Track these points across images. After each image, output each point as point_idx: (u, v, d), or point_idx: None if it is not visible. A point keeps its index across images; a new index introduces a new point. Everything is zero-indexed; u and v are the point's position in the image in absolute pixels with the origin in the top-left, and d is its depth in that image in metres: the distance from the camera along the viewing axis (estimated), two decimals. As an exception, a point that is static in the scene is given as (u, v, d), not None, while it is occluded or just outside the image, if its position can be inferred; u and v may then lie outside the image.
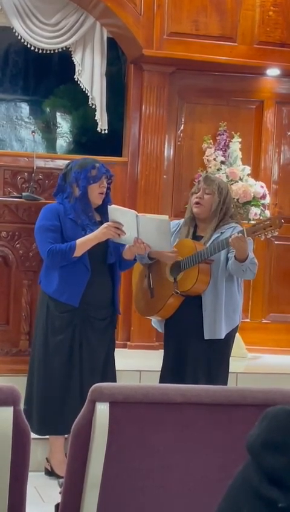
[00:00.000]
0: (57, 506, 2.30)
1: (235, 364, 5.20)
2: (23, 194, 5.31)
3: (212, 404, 2.22)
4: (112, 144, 7.09)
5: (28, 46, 6.75)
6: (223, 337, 4.60)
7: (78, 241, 4.43)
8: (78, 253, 4.43)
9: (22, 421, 2.10)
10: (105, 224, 4.44)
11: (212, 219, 4.67)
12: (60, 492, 2.27)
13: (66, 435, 4.62)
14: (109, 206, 4.50)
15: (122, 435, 2.15)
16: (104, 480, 2.15)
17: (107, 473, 2.15)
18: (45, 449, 4.83)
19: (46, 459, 4.82)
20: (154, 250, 4.57)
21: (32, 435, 4.52)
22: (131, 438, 2.17)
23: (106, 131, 6.91)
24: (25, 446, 2.12)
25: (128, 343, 6.72)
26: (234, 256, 4.44)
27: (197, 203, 4.69)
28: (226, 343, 4.70)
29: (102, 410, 2.11)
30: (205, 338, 4.58)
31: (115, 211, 4.48)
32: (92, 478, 2.14)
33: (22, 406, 2.18)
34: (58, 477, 4.45)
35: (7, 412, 2.06)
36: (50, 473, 4.75)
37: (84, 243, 4.44)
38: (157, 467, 2.22)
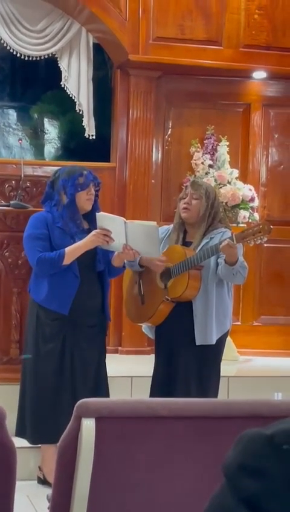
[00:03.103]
0: (45, 521, 2.30)
1: (226, 368, 5.21)
2: (11, 202, 5.30)
3: (199, 417, 2.23)
4: (100, 149, 7.09)
5: (14, 53, 6.75)
6: (214, 342, 4.61)
7: (67, 249, 4.43)
8: (67, 261, 4.43)
9: (8, 439, 2.10)
10: (93, 232, 4.45)
11: (201, 224, 4.67)
12: (48, 508, 2.27)
13: (58, 444, 4.61)
14: (97, 214, 4.50)
15: (109, 450, 2.16)
16: (92, 496, 2.15)
17: (95, 488, 2.15)
18: (37, 458, 4.83)
19: (39, 467, 4.82)
20: (143, 256, 4.58)
21: (25, 444, 4.58)
22: (118, 453, 2.18)
23: (94, 137, 6.91)
24: (11, 463, 2.12)
25: (119, 348, 6.72)
26: (224, 260, 4.45)
27: (185, 208, 4.69)
28: (217, 349, 4.70)
29: (88, 425, 2.11)
30: (197, 344, 4.58)
31: (103, 218, 4.49)
32: (80, 494, 2.14)
33: (8, 420, 2.17)
34: (50, 485, 4.44)
35: (-7, 431, 2.07)
36: (42, 481, 4.75)
37: (73, 251, 4.44)
38: (144, 482, 2.22)
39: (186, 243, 4.72)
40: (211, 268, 4.59)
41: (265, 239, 4.51)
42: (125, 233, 4.40)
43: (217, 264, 4.58)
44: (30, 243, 4.53)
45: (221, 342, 4.71)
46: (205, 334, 4.59)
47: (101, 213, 4.54)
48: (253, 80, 7.10)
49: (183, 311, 4.62)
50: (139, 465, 2.20)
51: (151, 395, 4.67)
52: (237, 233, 4.45)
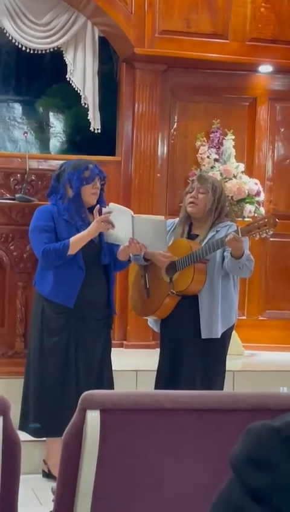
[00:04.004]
0: (50, 514, 2.30)
1: (231, 362, 5.20)
2: (16, 195, 5.30)
3: (204, 409, 2.22)
4: (106, 143, 7.07)
5: (20, 46, 6.73)
6: (219, 336, 4.60)
7: (72, 238, 4.43)
8: (72, 250, 4.42)
9: (12, 431, 2.09)
10: (96, 220, 4.44)
11: (208, 218, 4.67)
12: (53, 500, 2.26)
13: (63, 436, 4.61)
14: (105, 208, 4.50)
15: (114, 442, 2.15)
16: (96, 488, 2.14)
17: (99, 480, 2.14)
18: (42, 451, 4.83)
19: (44, 461, 4.82)
20: (150, 250, 4.57)
21: (30, 437, 4.58)
22: (122, 445, 2.17)
23: (99, 131, 6.89)
24: (16, 456, 2.11)
25: (124, 342, 6.71)
26: (230, 253, 4.44)
27: (191, 202, 4.68)
28: (223, 342, 4.70)
29: (93, 418, 2.10)
30: (202, 337, 4.57)
31: (113, 207, 4.48)
32: (84, 486, 2.13)
33: (12, 413, 2.16)
34: (55, 479, 4.44)
35: (-3, 422, 2.06)
36: (47, 474, 4.76)
37: (77, 240, 4.43)
38: (149, 474, 2.21)
39: (191, 236, 4.71)
40: (217, 261, 4.58)
41: (271, 232, 4.50)
42: (132, 227, 4.40)
43: (223, 258, 4.57)
44: (36, 235, 4.53)
45: (226, 335, 4.70)
46: (211, 327, 4.58)
47: (112, 203, 4.55)
48: (259, 74, 7.07)
49: (188, 305, 4.61)
50: (143, 457, 2.19)
51: (156, 387, 4.66)
52: (242, 227, 4.44)
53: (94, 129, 6.90)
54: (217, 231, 4.61)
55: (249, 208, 6.53)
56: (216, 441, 2.21)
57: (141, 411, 2.16)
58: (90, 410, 2.12)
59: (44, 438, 4.75)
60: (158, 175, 6.87)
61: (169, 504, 2.24)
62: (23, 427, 4.61)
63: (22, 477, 2.26)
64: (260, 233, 4.41)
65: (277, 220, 4.44)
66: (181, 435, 2.21)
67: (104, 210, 4.47)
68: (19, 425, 4.57)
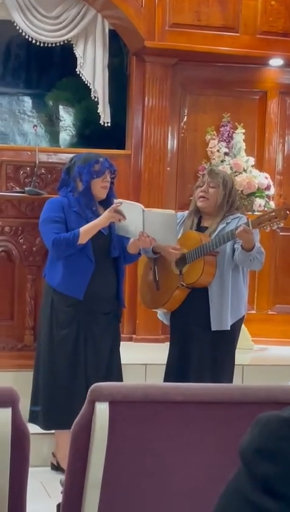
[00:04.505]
0: (58, 506, 2.29)
1: (241, 356, 5.19)
2: (26, 188, 5.29)
3: (213, 402, 2.21)
4: (115, 136, 7.06)
5: (30, 39, 6.73)
6: (229, 328, 4.60)
7: (82, 228, 4.43)
8: (82, 240, 4.42)
9: (21, 422, 2.09)
10: (108, 210, 4.44)
11: (219, 212, 4.66)
12: (61, 492, 2.26)
13: (71, 428, 4.62)
14: (115, 200, 4.50)
15: (123, 434, 2.14)
16: (105, 480, 2.14)
17: (108, 472, 2.14)
18: (51, 444, 4.84)
19: (52, 453, 4.83)
20: (160, 244, 4.57)
21: (38, 430, 4.59)
22: (131, 437, 2.16)
23: (109, 124, 6.89)
24: (24, 447, 2.11)
25: (134, 336, 6.71)
26: (241, 246, 4.44)
27: (202, 197, 4.67)
28: (232, 335, 4.69)
29: (102, 410, 2.10)
30: (212, 329, 4.57)
31: (122, 203, 4.48)
32: (93, 478, 2.13)
33: (21, 406, 2.16)
34: (64, 471, 4.45)
35: (6, 413, 2.05)
36: (56, 467, 4.77)
37: (88, 230, 4.43)
38: (157, 466, 2.21)
39: (200, 228, 4.71)
40: (227, 254, 4.58)
41: (281, 224, 4.49)
42: (143, 221, 4.39)
43: (233, 250, 4.57)
44: (46, 226, 4.54)
45: (236, 327, 4.70)
46: (221, 319, 4.58)
47: (120, 200, 4.55)
48: (270, 67, 7.05)
49: (198, 297, 4.61)
50: (152, 449, 2.18)
51: (166, 379, 4.67)
52: (253, 219, 4.44)
53: (104, 123, 6.89)
54: (227, 223, 4.61)
55: (259, 201, 6.51)
56: (225, 433, 2.20)
57: (150, 403, 2.16)
58: (99, 402, 2.11)
59: (53, 431, 4.75)
60: (168, 169, 6.86)
61: (178, 496, 2.24)
62: (32, 419, 4.62)
63: (30, 469, 2.26)
64: (271, 225, 4.40)
65: (287, 212, 4.43)
66: (190, 428, 2.21)
67: (115, 201, 4.48)
68: (28, 417, 4.58)
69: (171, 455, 2.21)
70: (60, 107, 7.85)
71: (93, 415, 2.12)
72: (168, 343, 4.91)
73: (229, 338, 4.68)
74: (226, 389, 2.29)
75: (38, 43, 6.74)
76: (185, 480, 2.22)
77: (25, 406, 4.23)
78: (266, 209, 6.42)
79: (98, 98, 6.86)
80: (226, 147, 6.75)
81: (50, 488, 4.34)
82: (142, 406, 2.15)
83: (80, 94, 7.40)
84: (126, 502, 2.22)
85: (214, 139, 6.80)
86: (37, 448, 4.65)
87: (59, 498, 2.29)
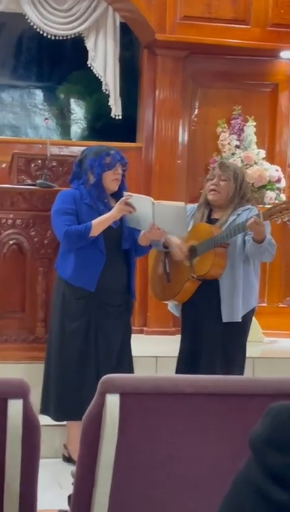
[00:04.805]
0: (70, 497, 2.31)
1: (251, 349, 5.19)
2: (37, 181, 5.30)
3: (223, 394, 2.21)
4: (126, 129, 7.07)
5: (41, 32, 6.73)
6: (240, 319, 4.60)
7: (94, 221, 4.44)
8: (94, 232, 4.43)
9: (32, 413, 2.10)
10: (118, 202, 4.45)
11: (229, 205, 4.66)
12: (72, 483, 2.28)
13: (82, 419, 4.64)
14: (125, 193, 4.50)
15: (133, 426, 2.15)
16: (116, 472, 2.15)
17: (119, 464, 2.15)
18: (62, 436, 4.86)
19: (64, 445, 4.85)
20: (170, 235, 4.58)
21: (50, 422, 4.60)
22: (142, 429, 2.17)
23: (120, 117, 6.89)
24: (36, 438, 2.12)
25: (144, 328, 6.72)
26: (252, 237, 4.44)
27: (213, 190, 4.67)
28: (243, 327, 4.70)
29: (112, 401, 2.11)
30: (223, 321, 4.58)
31: (131, 196, 4.49)
32: (103, 469, 2.14)
33: (32, 398, 2.17)
34: (75, 463, 4.47)
35: (17, 405, 2.06)
36: (68, 459, 4.78)
37: (100, 222, 4.44)
38: (168, 458, 2.21)
39: (211, 220, 4.71)
40: (238, 246, 4.58)
41: (293, 216, 4.49)
42: (153, 213, 4.40)
43: (244, 242, 4.56)
44: (58, 218, 4.55)
45: (247, 319, 4.70)
46: (232, 311, 4.58)
47: (130, 193, 4.55)
48: (281, 60, 7.03)
49: (209, 289, 4.62)
50: (163, 441, 2.19)
51: (177, 372, 4.68)
52: (264, 211, 4.44)
53: (115, 115, 6.90)
54: (237, 215, 4.61)
55: (270, 194, 6.51)
56: (236, 425, 2.21)
57: (160, 395, 2.16)
58: (109, 394, 2.12)
59: (64, 422, 4.77)
60: (179, 161, 6.86)
61: (189, 488, 2.25)
62: (44, 410, 4.64)
63: (42, 461, 2.27)
64: (282, 217, 4.40)
65: (299, 203, 4.43)
66: (200, 419, 2.21)
67: (124, 194, 4.48)
68: (40, 409, 4.61)
69: (181, 447, 2.22)
70: (71, 100, 7.86)
71: (104, 407, 2.12)
72: (179, 335, 4.92)
73: (241, 330, 4.68)
74: (236, 381, 2.30)
75: (49, 36, 6.74)
76: (196, 471, 2.23)
77: (36, 398, 4.27)
78: (277, 201, 6.41)
79: (109, 91, 6.87)
80: (237, 140, 6.75)
81: (61, 479, 4.36)
82: (152, 398, 2.16)
83: (91, 87, 7.41)
84: (137, 493, 2.23)
85: (225, 131, 6.79)
86: (49, 439, 4.67)
87: (70, 489, 2.30)
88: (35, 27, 6.70)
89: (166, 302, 4.99)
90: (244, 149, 6.71)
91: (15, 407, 2.06)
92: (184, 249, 4.64)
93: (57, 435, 4.85)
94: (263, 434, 1.15)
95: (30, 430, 2.09)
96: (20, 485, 2.11)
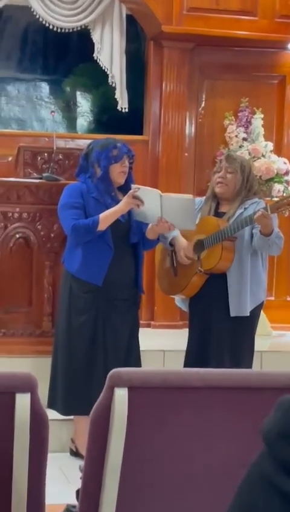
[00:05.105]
0: (78, 492, 2.29)
1: (260, 343, 5.17)
2: (44, 174, 5.30)
3: (232, 388, 2.20)
4: (133, 122, 7.04)
5: (47, 25, 6.71)
6: (248, 314, 4.59)
7: (102, 214, 4.43)
8: (102, 226, 4.42)
9: (40, 407, 2.09)
10: (126, 195, 4.43)
11: (237, 197, 4.64)
12: (80, 478, 2.26)
13: (90, 414, 4.64)
14: (133, 185, 4.49)
15: (142, 420, 2.14)
16: (124, 466, 2.13)
17: (127, 458, 2.13)
18: (70, 430, 4.85)
19: (71, 439, 4.85)
20: (179, 229, 4.57)
21: (58, 416, 4.60)
22: (150, 423, 2.16)
23: (127, 110, 6.86)
24: (43, 432, 2.11)
25: (152, 322, 6.71)
26: (259, 231, 4.42)
27: (220, 182, 4.65)
28: (251, 321, 4.68)
29: (121, 395, 2.09)
30: (231, 315, 4.56)
31: (139, 189, 4.47)
32: (112, 464, 2.13)
33: (40, 392, 2.16)
34: (83, 457, 4.46)
35: (25, 399, 2.05)
36: (75, 453, 4.78)
37: (107, 216, 4.43)
38: (177, 452, 2.20)
39: (218, 214, 4.69)
40: (245, 239, 4.56)
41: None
42: (161, 206, 4.38)
43: (251, 235, 4.54)
44: (65, 212, 4.53)
45: (255, 313, 4.68)
46: (240, 305, 4.56)
47: (137, 185, 4.53)
48: (288, 51, 7.00)
49: (217, 283, 4.60)
50: (171, 435, 2.18)
51: (186, 365, 4.67)
52: (271, 204, 4.42)
53: (121, 108, 6.87)
54: (245, 208, 4.59)
55: (277, 187, 6.48)
56: (244, 419, 2.19)
57: (169, 389, 2.15)
58: (118, 388, 2.10)
59: (72, 417, 4.76)
60: (186, 154, 6.83)
61: (197, 482, 2.23)
62: (51, 405, 4.63)
63: (50, 455, 2.26)
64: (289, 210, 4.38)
65: (306, 196, 4.41)
66: (209, 414, 2.20)
67: (132, 186, 4.46)
68: (47, 403, 4.60)
69: (190, 441, 2.20)
70: (78, 93, 7.84)
71: (112, 401, 2.11)
72: (187, 329, 4.90)
73: (249, 324, 4.67)
74: (245, 375, 2.28)
75: (55, 29, 6.72)
76: (205, 465, 2.21)
77: (44, 392, 4.26)
78: (284, 194, 6.38)
79: (115, 84, 6.84)
80: (244, 132, 6.71)
81: (69, 473, 4.36)
82: (161, 392, 2.14)
83: (98, 80, 7.39)
84: (145, 488, 2.22)
85: (232, 124, 6.76)
86: (56, 434, 4.67)
87: (78, 483, 2.29)
88: (41, 20, 6.67)
89: (173, 296, 4.97)
90: (251, 141, 6.67)
91: (23, 401, 2.05)
92: (190, 254, 4.62)
93: (64, 429, 4.84)
94: (275, 427, 1.13)
95: (38, 424, 2.07)
96: (28, 479, 2.10)
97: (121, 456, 2.12)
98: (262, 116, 6.75)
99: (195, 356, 4.68)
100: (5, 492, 2.11)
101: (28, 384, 2.06)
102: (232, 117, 6.79)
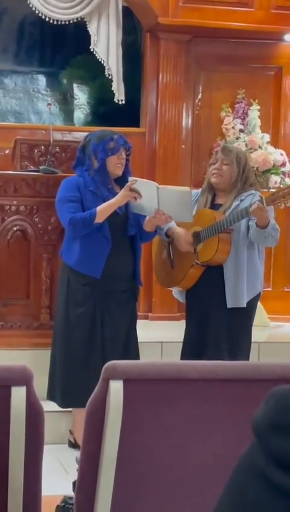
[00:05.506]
0: (74, 483, 2.30)
1: (257, 334, 5.19)
2: (41, 167, 5.29)
3: (228, 379, 2.20)
4: (130, 114, 7.04)
5: (43, 17, 6.69)
6: (245, 305, 4.59)
7: (99, 207, 4.43)
8: (99, 219, 4.42)
9: (36, 400, 2.10)
10: (123, 188, 4.43)
11: (232, 189, 4.64)
12: (77, 470, 2.27)
13: (86, 406, 4.65)
14: (130, 178, 4.49)
15: (137, 412, 2.14)
16: (120, 458, 2.14)
17: (123, 450, 2.14)
18: (68, 421, 4.87)
19: (70, 431, 4.86)
20: (175, 221, 4.57)
21: (56, 408, 4.61)
22: (146, 415, 2.16)
23: (123, 102, 6.85)
24: (39, 425, 2.11)
25: (149, 314, 6.72)
26: (255, 223, 4.42)
27: (215, 173, 4.65)
28: (248, 312, 4.69)
29: (116, 388, 2.10)
30: (228, 306, 4.56)
31: (136, 181, 4.47)
32: (108, 456, 2.13)
33: (38, 385, 2.17)
34: (81, 449, 4.49)
35: (20, 392, 2.06)
36: (73, 445, 4.80)
37: (104, 209, 4.43)
38: (173, 444, 2.21)
39: (214, 206, 4.69)
40: (241, 231, 4.56)
41: (296, 201, 4.46)
42: (158, 198, 4.38)
43: (248, 227, 4.55)
44: (62, 205, 4.54)
45: (252, 305, 4.69)
46: (237, 296, 4.57)
47: (134, 178, 4.53)
48: (285, 43, 6.99)
49: (213, 275, 4.60)
50: (167, 427, 2.18)
51: (182, 358, 4.68)
52: (267, 196, 4.42)
53: (118, 100, 6.86)
54: (241, 200, 4.59)
55: (274, 178, 6.48)
56: (241, 411, 2.20)
57: (164, 381, 2.16)
58: (113, 380, 2.11)
59: (70, 409, 4.77)
60: (183, 146, 6.83)
61: (193, 474, 2.24)
62: (50, 396, 4.65)
63: (48, 447, 2.27)
64: (285, 202, 4.39)
65: (303, 188, 4.40)
66: (205, 405, 2.20)
67: (129, 179, 4.46)
68: (47, 395, 4.61)
69: (186, 433, 2.21)
70: (74, 85, 7.83)
71: (108, 393, 2.11)
72: (184, 321, 4.91)
73: (246, 315, 4.67)
74: (241, 366, 2.28)
75: (51, 21, 6.70)
76: (201, 457, 2.22)
77: (42, 385, 4.27)
78: (281, 186, 6.38)
79: (112, 76, 6.83)
80: (241, 124, 6.71)
81: (67, 465, 4.37)
82: (157, 384, 2.15)
83: (94, 72, 7.38)
84: (141, 480, 2.23)
85: (229, 116, 6.76)
86: (55, 425, 4.69)
87: (76, 475, 2.30)
88: (37, 12, 6.65)
89: (170, 288, 4.97)
90: (248, 133, 6.67)
91: (18, 394, 2.06)
92: (190, 240, 4.61)
93: (62, 421, 4.86)
94: (266, 418, 1.14)
95: (34, 417, 2.08)
96: (24, 472, 2.11)
97: (117, 448, 2.13)
98: (259, 107, 6.75)
99: (192, 348, 4.68)
100: (1, 484, 2.12)
101: (23, 378, 2.06)
102: (229, 109, 6.79)
